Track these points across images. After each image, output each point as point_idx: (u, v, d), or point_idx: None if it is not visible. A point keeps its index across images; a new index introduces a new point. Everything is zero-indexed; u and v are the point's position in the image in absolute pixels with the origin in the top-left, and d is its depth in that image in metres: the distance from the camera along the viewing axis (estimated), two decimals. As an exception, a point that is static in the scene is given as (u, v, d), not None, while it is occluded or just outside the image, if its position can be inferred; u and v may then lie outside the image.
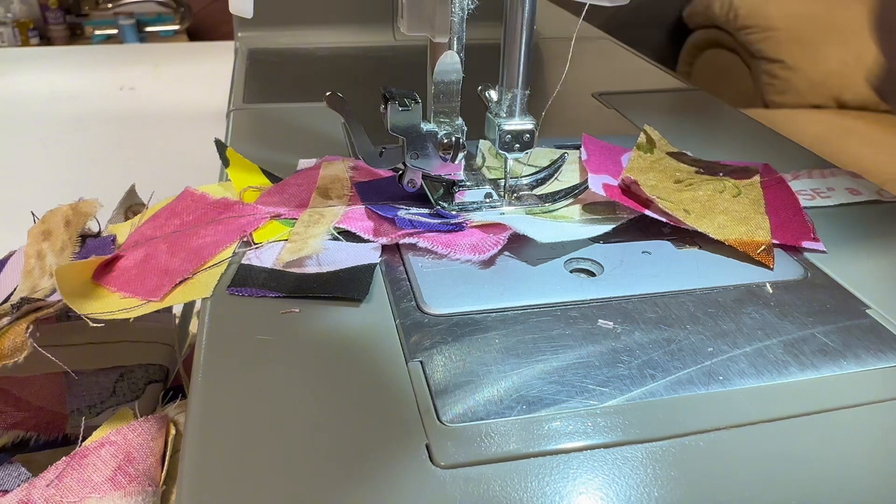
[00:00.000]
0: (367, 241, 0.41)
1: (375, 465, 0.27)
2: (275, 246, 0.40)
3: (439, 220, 0.42)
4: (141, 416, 0.38)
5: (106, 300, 0.38)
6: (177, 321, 0.54)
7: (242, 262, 0.39)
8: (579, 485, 0.26)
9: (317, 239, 0.40)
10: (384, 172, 0.46)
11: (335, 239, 0.41)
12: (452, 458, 0.27)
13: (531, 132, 0.42)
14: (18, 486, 0.35)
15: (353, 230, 0.41)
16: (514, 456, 0.27)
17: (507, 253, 0.40)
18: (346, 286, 0.37)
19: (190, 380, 0.32)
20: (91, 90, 1.19)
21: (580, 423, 0.29)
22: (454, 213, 0.43)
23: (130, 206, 0.53)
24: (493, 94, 0.43)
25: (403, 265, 0.39)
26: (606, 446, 0.28)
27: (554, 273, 0.39)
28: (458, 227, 0.41)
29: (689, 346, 0.34)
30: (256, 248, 0.40)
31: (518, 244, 0.41)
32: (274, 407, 0.29)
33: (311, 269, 0.38)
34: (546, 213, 0.44)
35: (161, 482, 0.36)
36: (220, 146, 0.50)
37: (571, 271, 0.40)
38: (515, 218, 0.42)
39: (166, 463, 0.37)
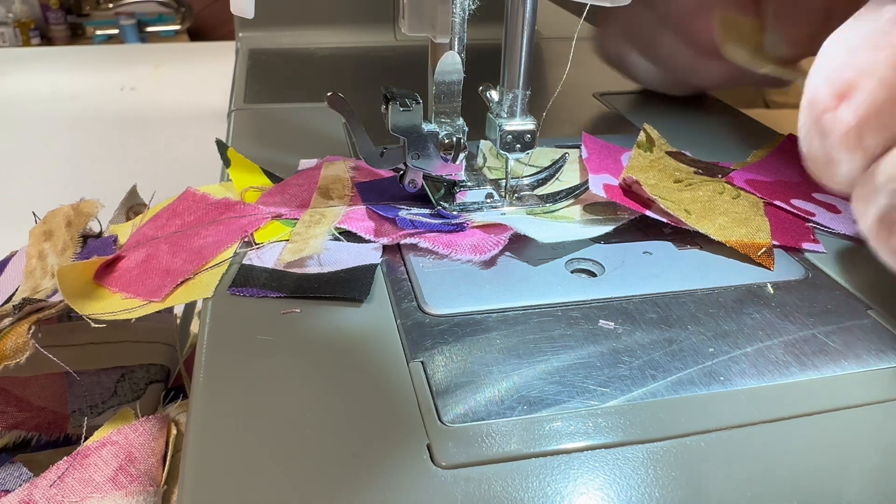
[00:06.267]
0: (369, 241, 0.41)
1: (376, 466, 0.27)
2: (276, 246, 0.40)
3: (440, 221, 0.42)
4: (142, 416, 0.37)
5: (107, 301, 0.38)
6: (178, 321, 0.54)
7: (243, 262, 0.39)
8: (580, 485, 0.26)
9: (318, 239, 0.40)
10: (385, 173, 0.46)
11: (336, 239, 0.41)
12: (454, 459, 0.27)
13: (532, 132, 0.42)
14: (20, 486, 0.35)
15: (354, 230, 0.41)
16: (516, 456, 0.27)
17: (508, 253, 0.40)
18: (347, 286, 0.37)
19: (191, 380, 0.32)
20: (92, 90, 1.19)
21: (581, 423, 0.29)
22: (455, 213, 0.43)
23: (132, 206, 0.53)
24: (494, 95, 0.43)
25: (404, 265, 0.40)
26: (607, 447, 0.28)
27: (555, 273, 0.39)
28: (459, 228, 0.41)
29: (691, 346, 0.34)
30: (257, 248, 0.40)
31: (519, 244, 0.41)
32: (275, 407, 0.29)
33: (312, 269, 0.38)
34: (547, 213, 0.44)
35: (162, 482, 0.36)
36: (221, 146, 0.50)
37: (572, 272, 0.40)
38: (516, 218, 0.42)
39: (168, 463, 0.37)
